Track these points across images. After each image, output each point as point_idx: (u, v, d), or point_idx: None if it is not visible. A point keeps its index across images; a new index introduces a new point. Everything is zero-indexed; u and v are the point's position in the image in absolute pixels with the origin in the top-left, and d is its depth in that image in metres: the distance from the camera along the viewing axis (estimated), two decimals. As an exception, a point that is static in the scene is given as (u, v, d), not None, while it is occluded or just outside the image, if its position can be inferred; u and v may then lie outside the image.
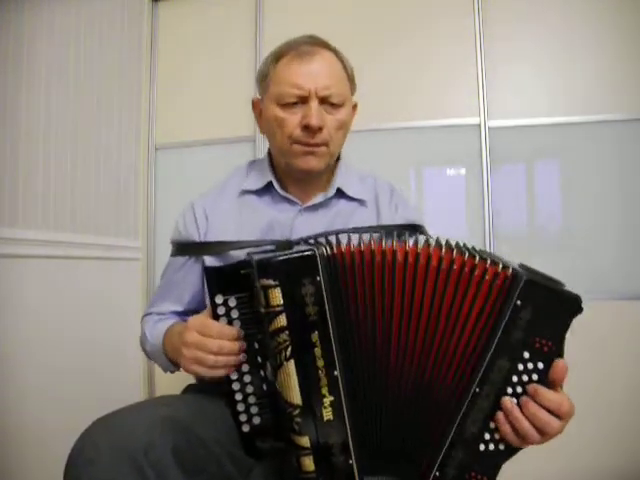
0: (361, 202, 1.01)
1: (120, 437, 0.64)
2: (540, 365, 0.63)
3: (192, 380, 1.05)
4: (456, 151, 2.06)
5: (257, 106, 1.01)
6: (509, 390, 0.64)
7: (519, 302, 0.63)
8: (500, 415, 0.65)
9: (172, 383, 1.14)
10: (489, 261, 0.66)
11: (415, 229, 1.00)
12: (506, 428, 0.64)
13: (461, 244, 0.73)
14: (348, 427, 0.70)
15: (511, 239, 2.01)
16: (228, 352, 0.71)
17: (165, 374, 1.03)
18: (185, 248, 1.00)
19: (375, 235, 0.80)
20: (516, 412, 0.63)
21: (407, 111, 2.07)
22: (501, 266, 0.65)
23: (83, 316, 1.73)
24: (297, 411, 0.69)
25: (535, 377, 0.63)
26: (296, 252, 0.69)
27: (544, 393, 0.63)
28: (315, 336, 0.68)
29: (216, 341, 0.70)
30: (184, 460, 0.68)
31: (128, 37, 2.12)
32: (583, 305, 0.63)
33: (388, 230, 0.91)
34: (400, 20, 2.10)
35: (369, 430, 0.72)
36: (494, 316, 0.65)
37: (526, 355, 0.63)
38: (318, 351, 0.68)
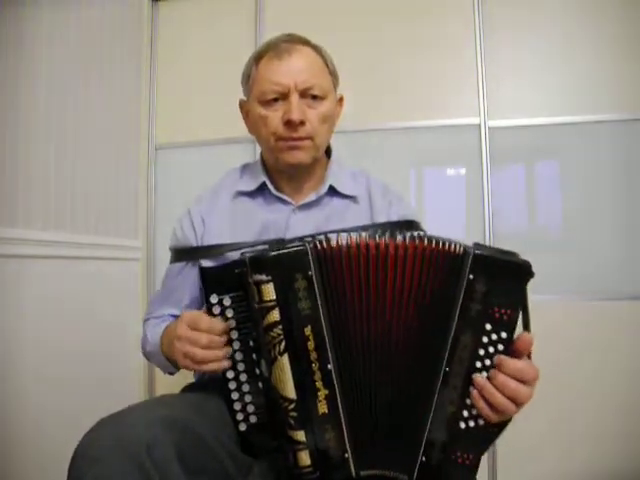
0: (353, 199, 1.02)
1: (124, 436, 0.64)
2: (503, 334, 0.65)
3: (192, 380, 1.05)
4: (456, 151, 2.06)
5: (244, 107, 1.04)
6: (478, 364, 0.66)
7: (471, 276, 0.65)
8: (474, 391, 0.66)
9: (172, 383, 1.14)
10: (441, 243, 0.68)
11: (410, 225, 1.00)
12: (481, 403, 0.65)
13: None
14: (343, 421, 0.70)
15: (511, 239, 2.00)
16: (217, 347, 0.72)
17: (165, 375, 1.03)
18: (182, 253, 1.01)
19: (366, 232, 0.81)
20: (487, 386, 0.65)
21: (407, 111, 2.07)
22: (453, 246, 0.68)
23: (83, 316, 1.73)
24: (292, 405, 0.69)
25: (501, 347, 0.65)
26: (288, 247, 0.69)
27: (509, 363, 0.64)
28: (308, 330, 0.68)
29: (205, 335, 0.72)
30: (186, 459, 0.68)
31: (128, 37, 2.11)
32: (583, 304, 0.64)
33: (383, 229, 0.92)
34: (400, 20, 2.09)
35: (364, 424, 0.72)
36: (451, 292, 0.67)
37: (488, 327, 0.65)
38: (311, 345, 0.68)
